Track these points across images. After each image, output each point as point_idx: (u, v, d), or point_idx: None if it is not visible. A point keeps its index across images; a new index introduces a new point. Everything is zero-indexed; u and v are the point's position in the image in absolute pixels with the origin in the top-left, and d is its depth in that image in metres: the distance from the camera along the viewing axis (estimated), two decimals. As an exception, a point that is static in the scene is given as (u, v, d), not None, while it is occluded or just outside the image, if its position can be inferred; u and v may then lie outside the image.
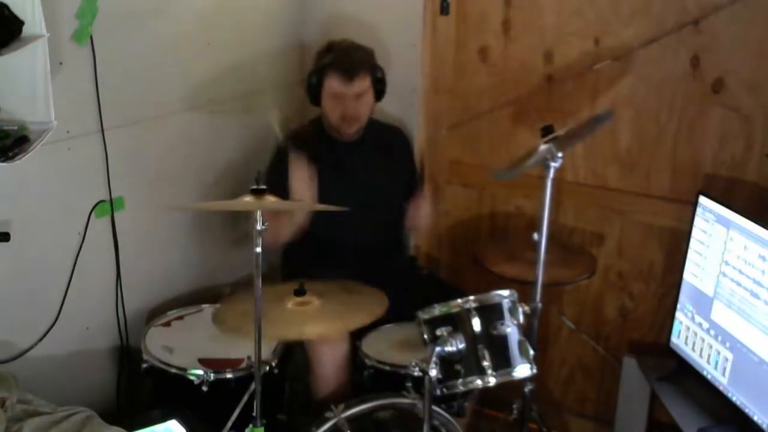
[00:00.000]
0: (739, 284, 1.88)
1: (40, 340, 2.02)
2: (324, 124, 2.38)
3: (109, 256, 2.16)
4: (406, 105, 2.58)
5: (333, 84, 2.24)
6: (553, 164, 1.83)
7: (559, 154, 1.82)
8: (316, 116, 2.44)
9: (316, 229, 2.31)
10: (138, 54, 2.12)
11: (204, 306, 2.29)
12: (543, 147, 1.84)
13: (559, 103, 2.41)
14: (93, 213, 2.08)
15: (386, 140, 2.46)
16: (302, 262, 2.34)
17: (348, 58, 2.26)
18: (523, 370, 1.72)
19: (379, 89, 2.33)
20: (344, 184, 2.31)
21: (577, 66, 2.36)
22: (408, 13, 2.50)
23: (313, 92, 2.30)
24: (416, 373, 1.68)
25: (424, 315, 1.75)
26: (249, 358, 1.91)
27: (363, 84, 2.25)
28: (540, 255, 1.91)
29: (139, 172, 2.20)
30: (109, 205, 2.12)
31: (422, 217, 2.40)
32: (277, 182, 2.06)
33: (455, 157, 2.66)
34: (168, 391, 1.99)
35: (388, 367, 2.02)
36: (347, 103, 2.25)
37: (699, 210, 2.04)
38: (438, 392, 1.70)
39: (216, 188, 2.46)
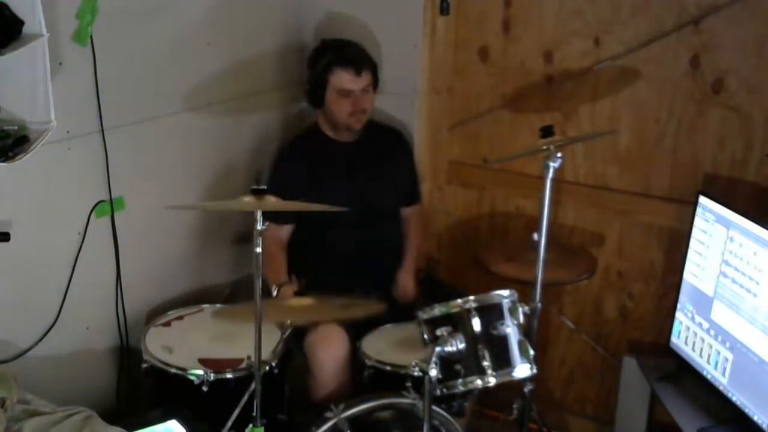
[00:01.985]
0: (739, 285, 1.88)
1: (40, 340, 2.02)
2: (322, 127, 2.38)
3: (109, 256, 2.16)
4: (406, 105, 2.58)
5: (341, 80, 2.24)
6: (552, 164, 1.83)
7: (558, 155, 1.82)
8: (311, 123, 2.44)
9: (317, 231, 2.32)
10: (138, 54, 2.12)
11: (204, 306, 2.29)
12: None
13: (559, 103, 2.41)
14: (93, 213, 2.08)
15: (385, 141, 2.46)
16: (303, 263, 2.33)
17: (352, 54, 2.28)
18: (523, 370, 1.72)
19: (376, 83, 2.35)
20: (345, 187, 2.32)
21: (577, 66, 2.36)
22: (408, 13, 2.50)
23: (317, 93, 2.30)
24: (416, 373, 1.68)
25: (424, 315, 1.75)
26: (249, 358, 1.91)
27: (368, 78, 2.28)
28: (540, 255, 1.91)
29: (139, 172, 2.20)
30: (109, 205, 2.12)
31: (407, 290, 2.38)
32: (274, 188, 2.06)
33: (455, 157, 2.66)
34: (168, 391, 1.99)
35: (388, 367, 2.02)
36: (356, 97, 2.26)
37: (699, 210, 2.04)
38: (438, 392, 1.70)
39: (216, 188, 2.46)
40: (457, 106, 2.62)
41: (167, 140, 2.28)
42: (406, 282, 2.37)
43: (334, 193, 2.24)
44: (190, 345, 2.06)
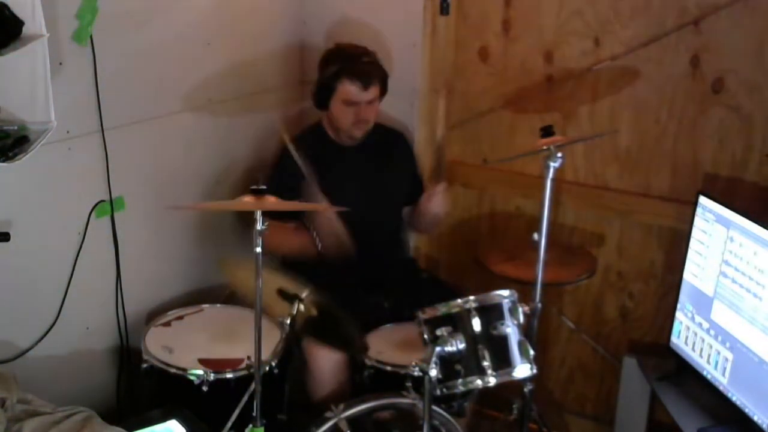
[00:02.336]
0: (739, 284, 1.88)
1: (40, 340, 2.02)
2: (326, 128, 2.38)
3: (109, 256, 2.16)
4: (406, 105, 2.57)
5: (348, 91, 2.23)
6: (552, 164, 1.83)
7: (559, 154, 1.82)
8: (315, 121, 2.44)
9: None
10: (138, 54, 2.12)
11: (204, 306, 2.29)
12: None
13: (559, 103, 2.41)
14: (93, 213, 2.08)
15: (388, 143, 2.46)
16: (303, 263, 2.33)
17: (363, 66, 2.26)
18: (523, 370, 1.72)
19: (384, 92, 2.34)
20: (346, 188, 2.31)
21: (577, 66, 2.36)
22: (408, 13, 2.49)
23: (323, 97, 2.29)
24: (416, 373, 1.68)
25: (424, 315, 1.75)
26: (249, 358, 1.91)
27: (375, 91, 2.27)
28: (540, 255, 1.91)
29: (139, 172, 2.20)
30: (109, 205, 2.12)
31: (437, 204, 2.32)
32: (281, 185, 2.08)
33: (455, 157, 2.66)
34: (168, 391, 1.99)
35: (388, 367, 2.02)
36: (360, 109, 2.25)
37: (699, 210, 2.04)
38: (438, 392, 1.70)
39: (216, 188, 2.46)
40: (457, 106, 2.62)
41: (167, 140, 2.28)
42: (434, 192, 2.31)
43: (334, 194, 2.25)
44: (190, 345, 2.07)
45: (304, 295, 1.86)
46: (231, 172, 2.51)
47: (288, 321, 1.87)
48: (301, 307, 1.85)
